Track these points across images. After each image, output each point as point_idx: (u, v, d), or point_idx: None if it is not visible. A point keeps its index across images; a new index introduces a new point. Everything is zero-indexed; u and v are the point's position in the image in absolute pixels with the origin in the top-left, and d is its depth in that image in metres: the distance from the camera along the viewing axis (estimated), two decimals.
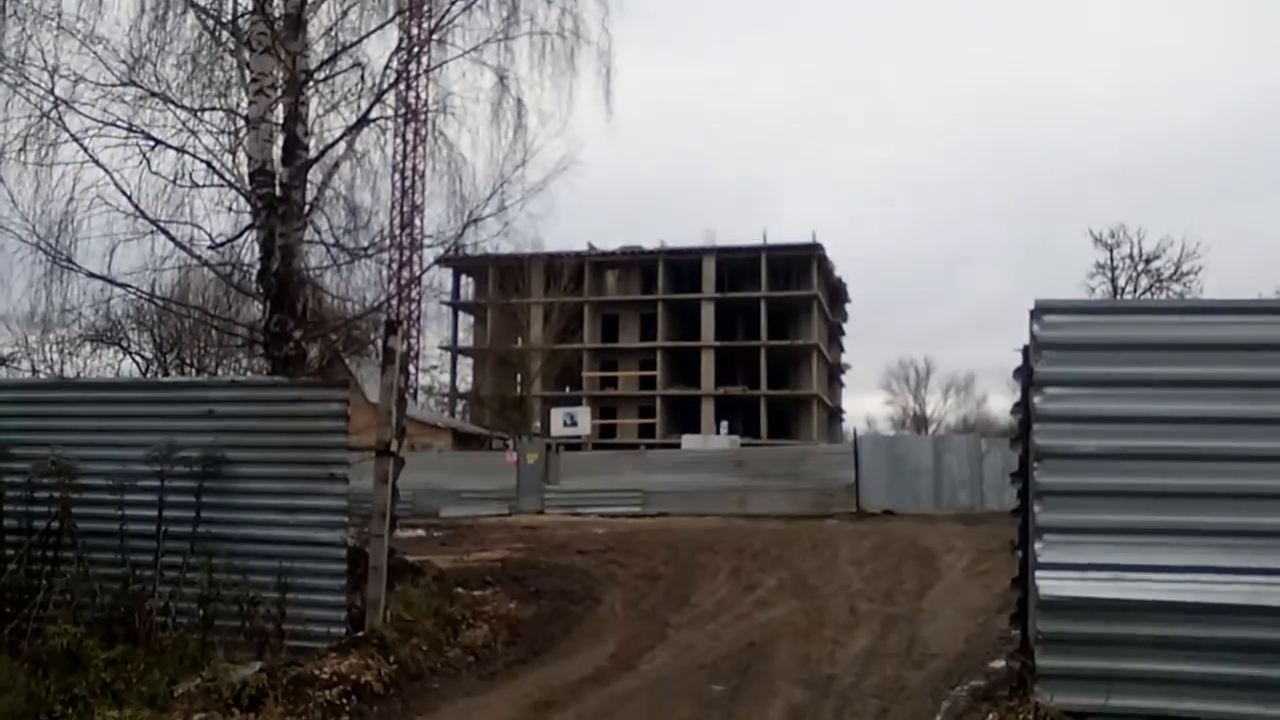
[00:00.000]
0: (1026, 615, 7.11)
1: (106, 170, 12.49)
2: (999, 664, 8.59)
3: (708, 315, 64.96)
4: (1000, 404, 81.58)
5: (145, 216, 12.98)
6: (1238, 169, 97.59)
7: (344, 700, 7.51)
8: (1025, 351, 7.10)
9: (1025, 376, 7.10)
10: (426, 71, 15.50)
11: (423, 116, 17.02)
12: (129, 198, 12.77)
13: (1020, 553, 7.29)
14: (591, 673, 9.06)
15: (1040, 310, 6.85)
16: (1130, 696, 6.31)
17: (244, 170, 13.14)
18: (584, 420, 45.46)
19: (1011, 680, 7.25)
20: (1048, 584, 6.58)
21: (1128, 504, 6.59)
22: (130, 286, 13.74)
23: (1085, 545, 6.59)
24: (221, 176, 13.37)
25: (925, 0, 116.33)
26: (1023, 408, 7.19)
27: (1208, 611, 6.31)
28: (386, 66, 14.19)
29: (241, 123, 13.27)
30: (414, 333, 53.45)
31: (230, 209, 13.67)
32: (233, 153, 13.46)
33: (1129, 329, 6.85)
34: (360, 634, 8.61)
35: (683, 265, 65.59)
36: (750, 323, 64.90)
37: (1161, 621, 6.37)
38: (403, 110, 16.76)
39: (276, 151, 12.88)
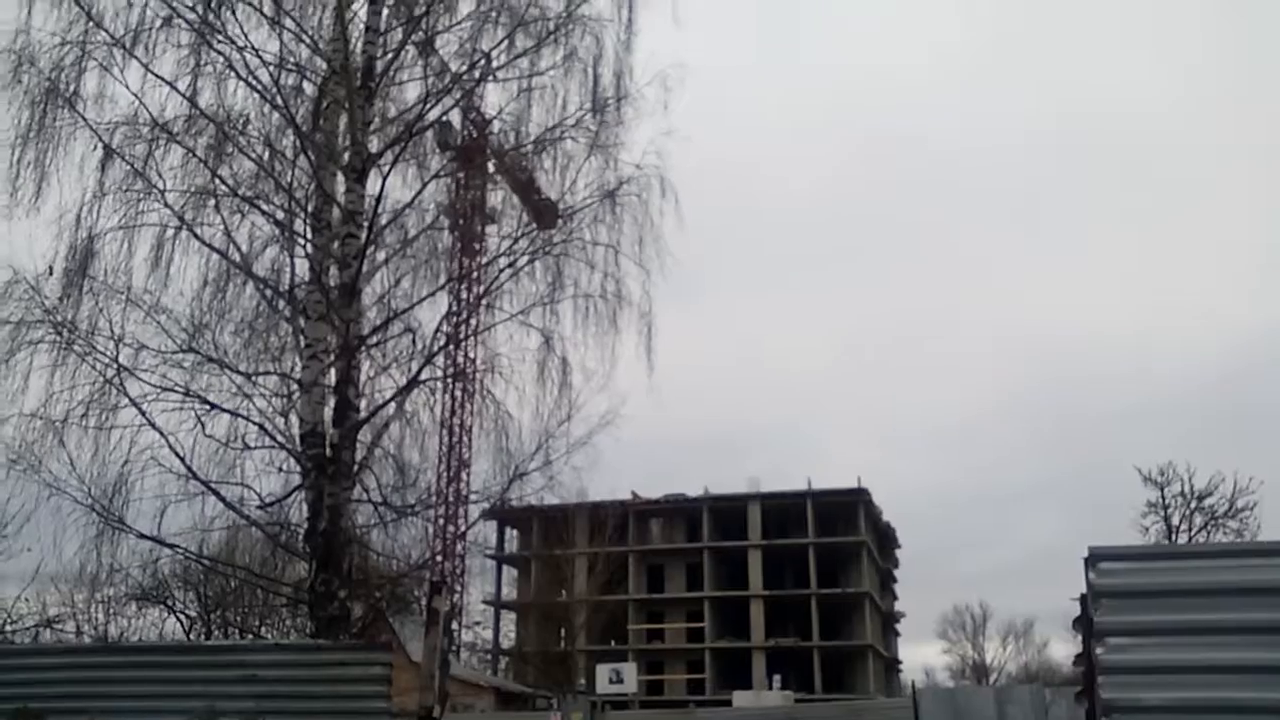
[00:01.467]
0: None
1: (162, 433, 12.80)
2: None
3: (755, 563, 63.93)
4: (1061, 650, 78.47)
5: (197, 478, 13.18)
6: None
7: None
8: (1083, 600, 6.94)
9: (1085, 626, 6.91)
10: (475, 334, 16.08)
11: (471, 376, 17.46)
12: (182, 460, 13.00)
13: None
14: None
15: (1094, 558, 6.76)
16: None
17: (295, 432, 13.39)
18: (630, 676, 43.93)
19: None
20: None
21: None
22: (179, 547, 13.83)
23: None
24: (273, 438, 13.63)
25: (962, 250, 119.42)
26: (1085, 658, 6.96)
27: None
28: (437, 330, 14.71)
29: (294, 386, 13.64)
30: (458, 588, 52.89)
31: (280, 469, 13.85)
32: (285, 415, 13.77)
33: (1185, 574, 6.73)
34: None
35: (728, 512, 65.19)
36: (799, 571, 63.72)
37: None
38: (451, 371, 17.22)
39: (328, 413, 13.15)
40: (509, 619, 65.82)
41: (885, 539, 73.71)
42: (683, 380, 61.81)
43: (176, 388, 13.10)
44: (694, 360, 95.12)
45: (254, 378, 13.81)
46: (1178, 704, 6.37)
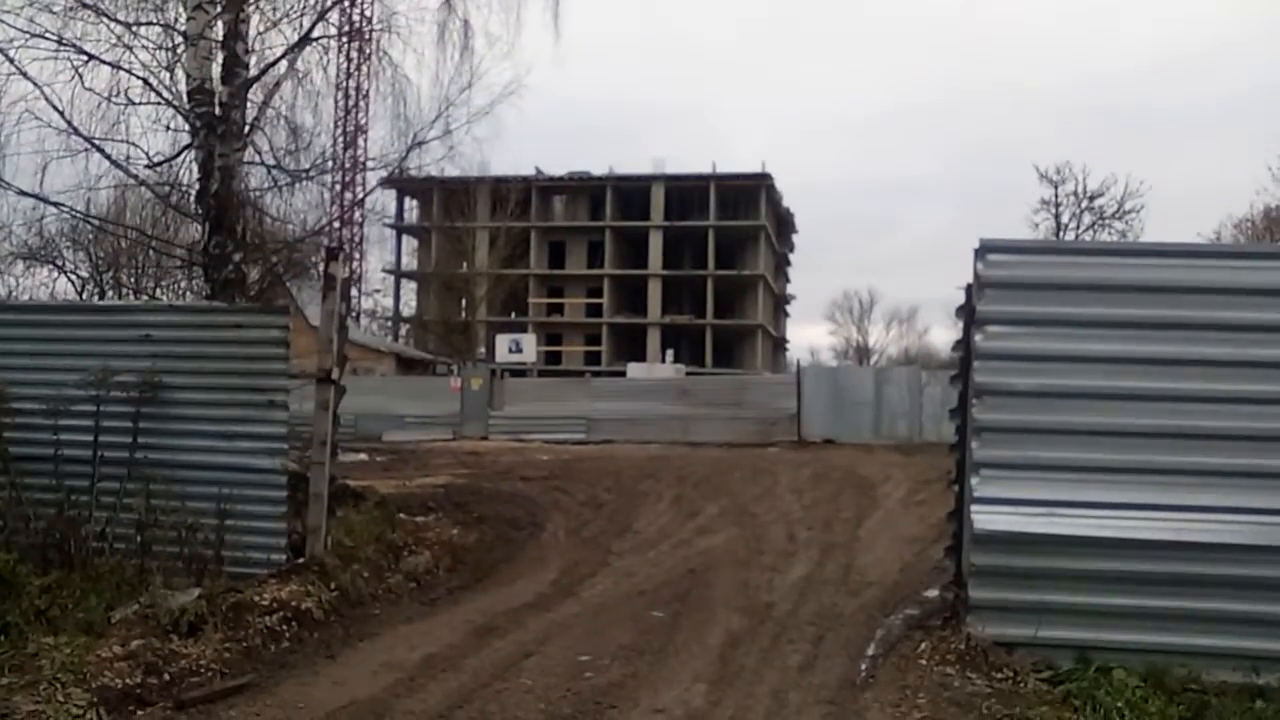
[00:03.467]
0: (961, 548, 7.27)
1: (36, 84, 12.10)
2: (933, 593, 8.78)
3: (655, 243, 64.72)
4: (942, 336, 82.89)
5: (79, 133, 12.62)
6: (1174, 106, 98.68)
7: (284, 626, 7.51)
8: (968, 290, 7.16)
9: (968, 314, 7.17)
10: None
11: (367, 36, 16.61)
12: (61, 114, 12.40)
13: (957, 487, 7.42)
14: (533, 599, 9.15)
15: (984, 249, 6.90)
16: (1059, 628, 6.52)
17: (182, 88, 12.77)
18: (529, 347, 45.27)
19: (944, 610, 7.43)
20: (982, 518, 6.74)
21: (1062, 441, 6.73)
22: (63, 205, 13.41)
23: (1020, 481, 6.74)
24: (159, 94, 13.01)
25: None
26: (964, 345, 7.27)
27: (1135, 546, 6.51)
28: None
29: (179, 39, 12.86)
30: (356, 256, 52.66)
31: (168, 128, 13.33)
32: (170, 70, 13.08)
33: (1070, 270, 6.93)
34: (301, 560, 8.59)
35: (631, 193, 65.14)
36: (698, 252, 64.80)
37: (1090, 556, 6.56)
38: (346, 28, 16.33)
39: (216, 70, 12.49)
40: (409, 289, 66.32)
41: (784, 224, 74.92)
42: (591, 52, 59.86)
43: (48, 34, 12.25)
44: (603, 30, 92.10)
45: (134, 27, 12.97)
46: (1046, 390, 6.74)
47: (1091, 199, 48.42)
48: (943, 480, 8.20)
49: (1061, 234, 47.11)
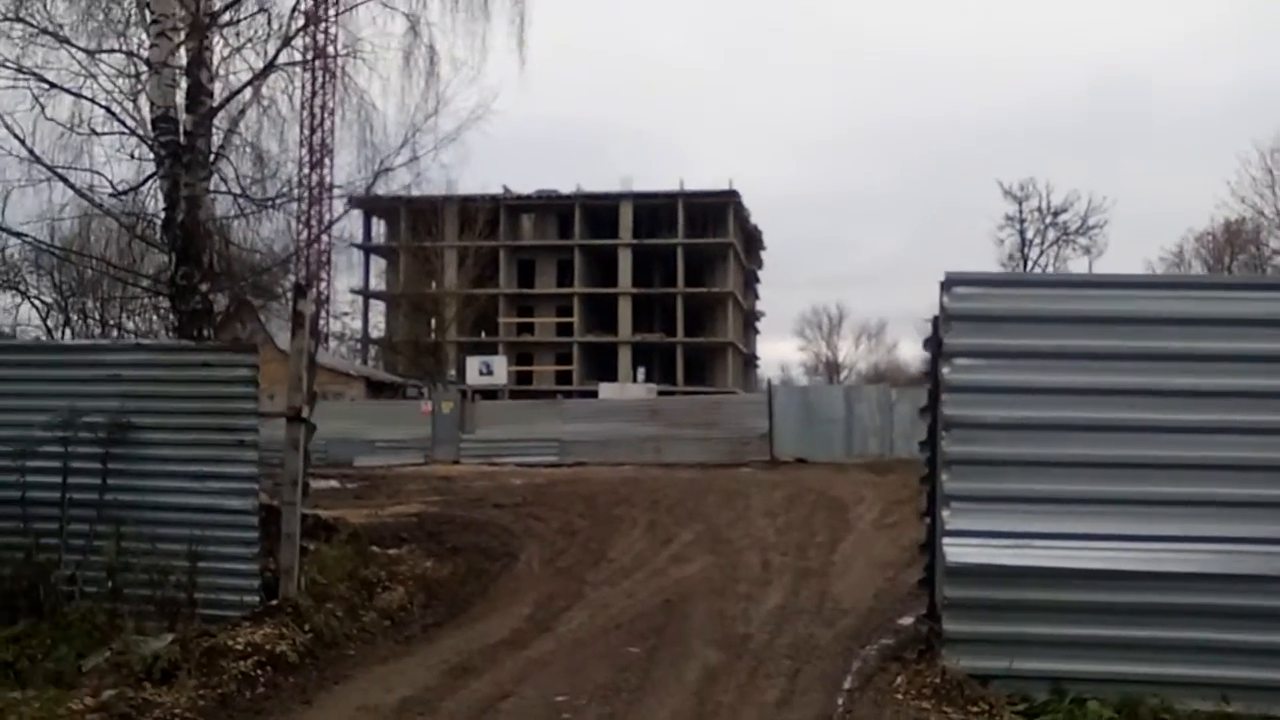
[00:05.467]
0: (934, 580, 7.31)
1: None
2: (907, 621, 8.86)
3: (625, 262, 64.82)
4: (910, 350, 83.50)
5: (41, 162, 12.59)
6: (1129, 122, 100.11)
7: (258, 671, 7.41)
8: (935, 322, 7.23)
9: (935, 347, 7.24)
10: (336, 16, 15.14)
11: (332, 62, 16.60)
12: (22, 141, 12.33)
13: (929, 519, 7.47)
14: (509, 635, 9.10)
15: (950, 282, 6.96)
16: (1033, 659, 6.55)
17: (146, 116, 12.72)
18: (500, 368, 45.32)
19: (919, 642, 7.47)
20: (954, 551, 6.77)
21: (1032, 473, 6.79)
22: (26, 236, 13.34)
23: (991, 513, 6.78)
24: (122, 123, 12.97)
25: None
26: (932, 377, 7.33)
27: (1105, 577, 6.57)
28: (294, 9, 13.87)
29: (143, 66, 12.80)
30: (324, 277, 52.42)
31: (133, 156, 13.30)
32: (134, 98, 13.04)
33: (1036, 302, 7.01)
34: (274, 602, 8.50)
35: (599, 211, 65.26)
36: (667, 270, 64.98)
37: (1062, 587, 6.61)
38: (311, 55, 16.33)
39: (180, 97, 12.46)
40: (378, 310, 66.04)
41: (752, 240, 75.27)
42: (558, 72, 59.98)
43: (7, 63, 12.20)
44: (570, 51, 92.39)
45: (96, 55, 12.91)
46: (1014, 421, 6.80)
47: (1055, 215, 49.19)
48: (913, 500, 8.26)
49: (1026, 249, 47.77)
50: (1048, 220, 49.56)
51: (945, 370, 6.97)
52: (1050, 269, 50.24)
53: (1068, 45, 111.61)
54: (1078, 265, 50.50)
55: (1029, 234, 49.88)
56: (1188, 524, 6.58)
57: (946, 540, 6.85)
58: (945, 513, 6.91)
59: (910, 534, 10.80)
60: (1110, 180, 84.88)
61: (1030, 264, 50.44)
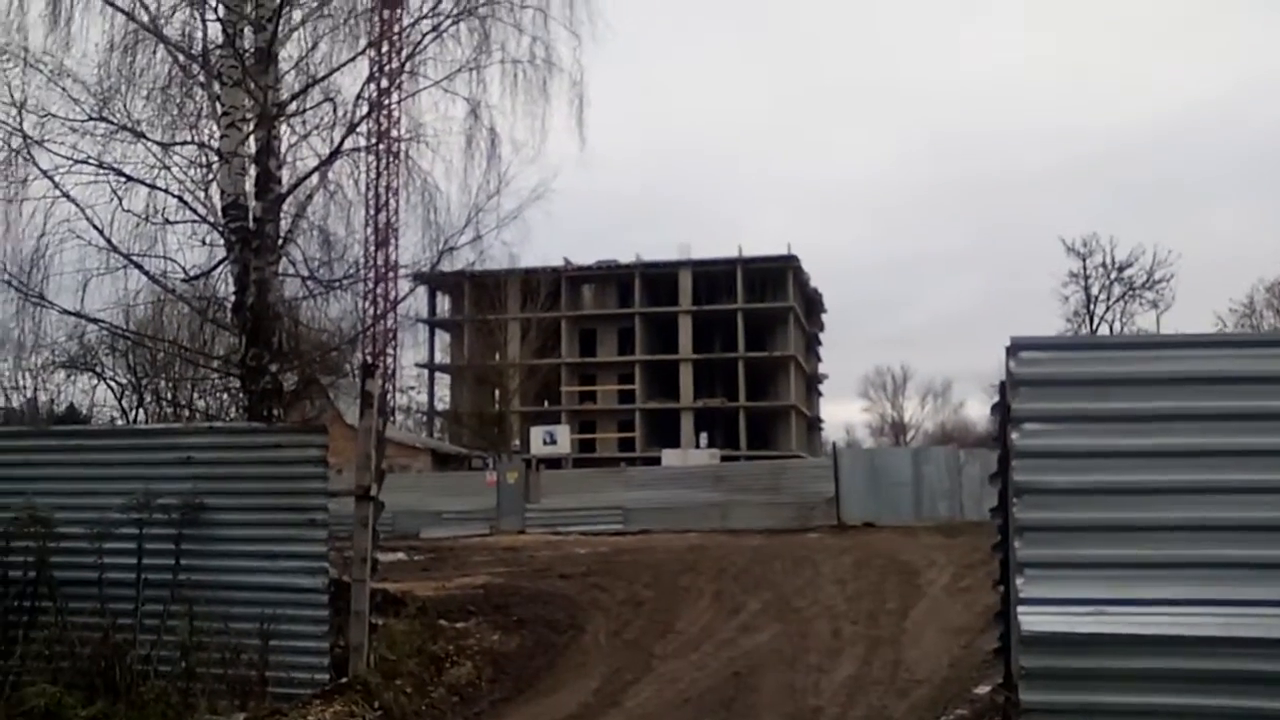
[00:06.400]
0: (1009, 649, 7.15)
1: (78, 205, 12.54)
2: (983, 690, 8.65)
3: (685, 328, 65.07)
4: (977, 409, 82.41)
5: (118, 251, 12.97)
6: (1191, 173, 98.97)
7: None
8: (1002, 387, 7.15)
9: (1003, 412, 7.15)
10: (399, 102, 15.55)
11: (396, 147, 17.02)
12: (101, 232, 12.77)
13: (1002, 587, 7.33)
14: (576, 710, 9.06)
15: (1015, 347, 6.88)
16: None
17: (217, 204, 13.14)
18: (563, 437, 45.44)
19: (995, 712, 7.30)
20: (1029, 620, 6.61)
21: (1106, 538, 6.63)
22: (103, 321, 13.72)
23: (1066, 580, 6.62)
24: (194, 211, 13.37)
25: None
26: (1001, 443, 7.24)
27: (1182, 644, 6.35)
28: (359, 97, 14.26)
29: (213, 157, 13.26)
30: (390, 353, 53.23)
31: (204, 242, 13.67)
32: (205, 187, 13.46)
33: (1103, 365, 6.89)
34: (344, 680, 8.55)
35: (659, 279, 65.73)
36: (727, 335, 65.05)
37: (1139, 654, 6.41)
38: (375, 141, 16.76)
39: (249, 185, 12.86)
40: (443, 383, 66.83)
41: (812, 304, 75.21)
42: (616, 145, 60.86)
43: (90, 160, 12.69)
44: (628, 126, 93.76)
45: (170, 148, 13.37)
46: (1085, 486, 6.67)
47: (1120, 270, 48.45)
48: (986, 563, 8.11)
49: (1092, 305, 47.00)
50: (1113, 276, 48.84)
51: (1014, 435, 6.86)
52: (1117, 325, 49.41)
53: (1135, 101, 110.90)
54: (1145, 320, 49.65)
55: (1094, 290, 49.12)
56: (1267, 588, 6.38)
57: (1021, 609, 6.69)
58: (1019, 580, 6.76)
59: (984, 599, 10.60)
60: (1175, 232, 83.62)
61: (1096, 320, 49.68)
